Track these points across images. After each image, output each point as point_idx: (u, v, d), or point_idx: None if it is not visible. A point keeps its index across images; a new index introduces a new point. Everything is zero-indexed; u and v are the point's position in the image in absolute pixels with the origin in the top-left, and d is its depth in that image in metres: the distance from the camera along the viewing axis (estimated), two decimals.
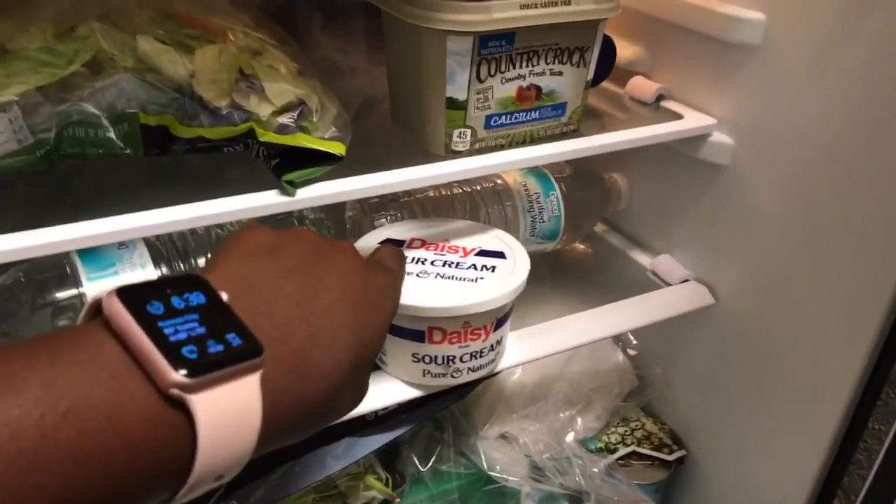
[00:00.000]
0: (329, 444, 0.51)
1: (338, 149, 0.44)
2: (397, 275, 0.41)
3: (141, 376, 0.24)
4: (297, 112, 0.44)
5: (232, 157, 0.45)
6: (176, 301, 0.26)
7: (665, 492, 0.71)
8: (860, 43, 0.48)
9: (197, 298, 0.27)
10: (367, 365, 0.35)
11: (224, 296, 0.28)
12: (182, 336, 0.25)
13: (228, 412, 0.25)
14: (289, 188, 0.43)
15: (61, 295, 0.48)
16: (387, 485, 0.58)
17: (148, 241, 0.49)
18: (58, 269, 0.47)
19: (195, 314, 0.26)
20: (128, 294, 0.25)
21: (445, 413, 0.62)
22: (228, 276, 0.31)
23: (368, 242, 0.53)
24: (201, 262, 0.51)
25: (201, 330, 0.25)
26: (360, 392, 0.36)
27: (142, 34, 0.42)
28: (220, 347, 0.25)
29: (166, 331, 0.24)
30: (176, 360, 0.24)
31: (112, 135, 0.42)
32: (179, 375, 0.23)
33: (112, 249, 0.47)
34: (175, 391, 0.24)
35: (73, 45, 0.39)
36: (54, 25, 0.40)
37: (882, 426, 0.55)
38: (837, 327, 0.54)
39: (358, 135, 0.47)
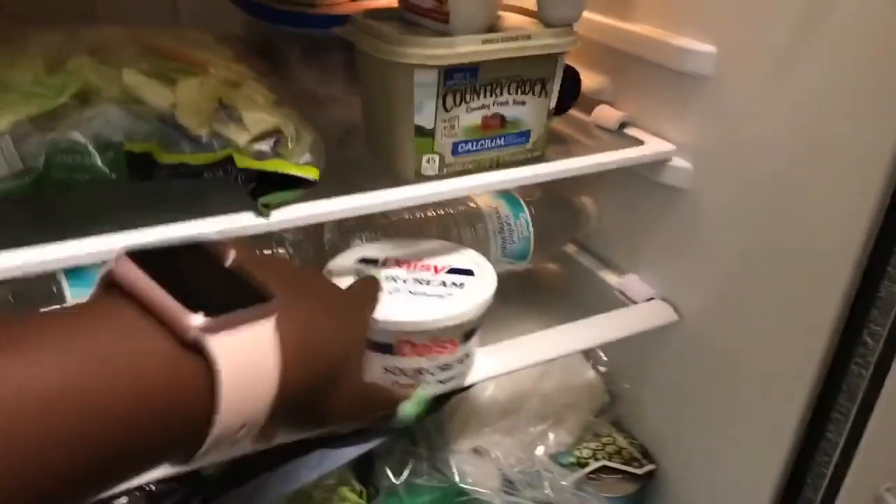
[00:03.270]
0: (302, 456, 0.53)
1: (312, 173, 0.47)
2: (371, 293, 0.46)
3: (158, 326, 0.24)
4: (274, 140, 0.47)
5: (212, 183, 0.48)
6: (185, 263, 0.27)
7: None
8: (805, 72, 0.52)
9: (204, 257, 0.28)
10: (360, 369, 0.39)
11: (231, 254, 0.28)
12: (194, 289, 0.25)
13: (247, 354, 0.25)
14: (264, 210, 0.46)
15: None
16: (361, 497, 0.60)
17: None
18: (45, 288, 0.49)
19: (205, 273, 0.27)
20: (137, 254, 0.26)
21: (419, 427, 0.64)
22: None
23: (345, 261, 0.55)
24: None
25: (212, 281, 0.26)
26: (357, 395, 0.39)
27: (127, 68, 0.45)
28: (234, 298, 0.26)
29: (178, 283, 0.25)
30: (191, 306, 0.24)
31: (98, 162, 0.44)
32: (197, 319, 0.24)
33: (97, 269, 0.49)
34: (193, 334, 0.24)
35: (62, 78, 0.42)
36: (45, 60, 0.43)
37: (836, 437, 0.58)
38: (792, 340, 0.57)
39: (337, 162, 0.50)
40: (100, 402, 0.22)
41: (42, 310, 0.26)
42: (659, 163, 0.62)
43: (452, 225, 0.65)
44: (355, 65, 0.56)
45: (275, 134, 0.47)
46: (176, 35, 0.56)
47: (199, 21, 0.75)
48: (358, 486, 0.60)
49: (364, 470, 0.62)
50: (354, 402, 0.38)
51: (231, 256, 0.29)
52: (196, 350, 0.24)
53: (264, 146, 0.47)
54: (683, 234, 0.65)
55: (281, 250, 0.60)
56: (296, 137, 0.48)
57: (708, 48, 0.57)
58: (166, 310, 0.24)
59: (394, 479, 0.61)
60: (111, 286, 0.26)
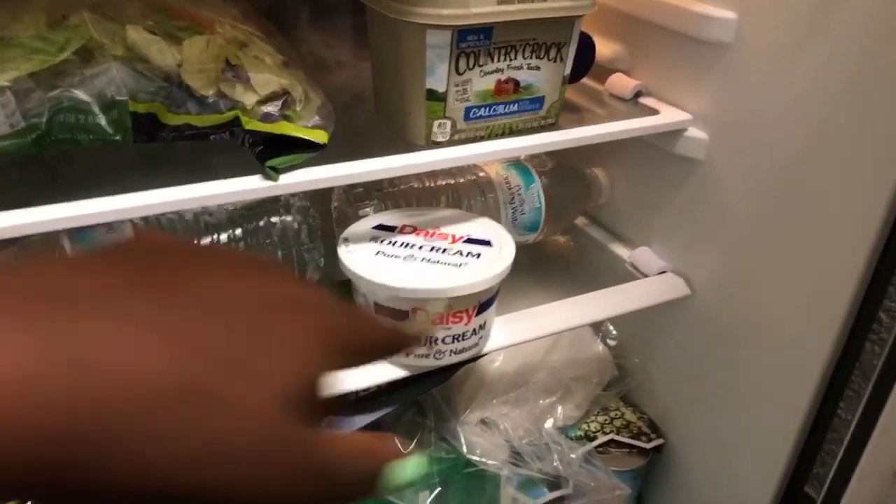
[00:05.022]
0: None
1: (320, 137, 0.46)
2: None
3: None
4: (282, 101, 0.46)
5: (218, 145, 0.47)
6: None
7: (643, 479, 0.73)
8: (827, 40, 0.50)
9: None
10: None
11: None
12: None
13: None
14: (271, 173, 0.45)
15: None
16: None
17: (135, 227, 0.51)
18: (48, 250, 0.48)
19: None
20: None
21: (427, 398, 0.64)
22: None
23: (361, 228, 0.54)
24: None
25: None
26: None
27: (132, 24, 0.44)
28: None
29: None
30: None
31: (102, 121, 0.43)
32: None
33: (101, 233, 0.49)
34: None
35: (64, 34, 0.41)
36: (47, 14, 0.42)
37: (848, 415, 0.57)
38: (806, 316, 0.56)
39: (345, 127, 0.49)
40: None
41: None
42: (674, 133, 0.61)
43: (462, 194, 0.64)
44: (366, 26, 0.55)
45: (283, 95, 0.46)
46: None
47: None
48: None
49: None
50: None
51: None
52: None
53: (272, 108, 0.45)
54: (697, 206, 0.64)
55: (288, 217, 0.59)
56: (304, 100, 0.47)
57: (728, 14, 0.55)
58: None
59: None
60: None
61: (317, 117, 0.46)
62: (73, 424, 0.16)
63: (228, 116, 0.45)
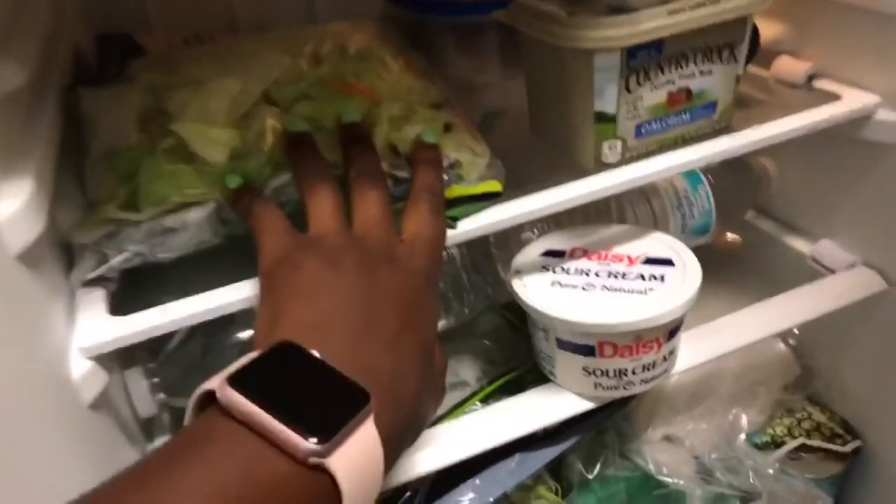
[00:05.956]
0: (503, 460, 0.53)
1: (494, 187, 0.45)
2: (431, 271, 0.38)
3: (270, 447, 0.26)
4: (449, 165, 0.45)
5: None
6: (279, 373, 0.28)
7: (841, 486, 0.68)
8: None
9: (296, 364, 0.29)
10: (437, 370, 0.37)
11: (315, 353, 0.29)
12: (298, 405, 0.27)
13: (359, 460, 0.28)
14: (450, 222, 0.44)
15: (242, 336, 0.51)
16: (556, 494, 0.59)
17: None
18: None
19: (301, 380, 0.28)
20: (238, 380, 0.27)
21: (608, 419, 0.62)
22: (303, 323, 0.32)
23: (529, 256, 0.53)
24: None
25: (312, 392, 0.28)
26: (439, 396, 0.38)
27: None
28: (335, 405, 0.28)
29: (284, 405, 0.27)
30: (304, 432, 0.26)
31: None
32: (312, 444, 0.26)
33: None
34: (313, 460, 0.26)
35: (257, 162, 0.43)
36: (228, 114, 0.45)
37: None
38: None
39: (498, 151, 0.47)
40: None
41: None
42: (860, 118, 0.55)
43: (627, 204, 0.61)
44: (513, 45, 0.53)
45: (452, 163, 0.45)
46: (337, 34, 0.55)
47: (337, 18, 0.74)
48: (553, 484, 0.59)
49: (555, 465, 0.60)
50: (437, 406, 0.38)
51: (317, 354, 0.30)
52: (316, 469, 0.26)
53: (444, 176, 0.44)
54: (892, 193, 0.58)
55: (453, 249, 0.59)
56: (472, 160, 0.46)
57: None
58: (282, 439, 0.26)
59: (586, 473, 0.59)
60: (203, 406, 0.28)
61: (486, 171, 0.45)
62: (414, 403, 0.34)
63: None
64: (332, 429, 0.27)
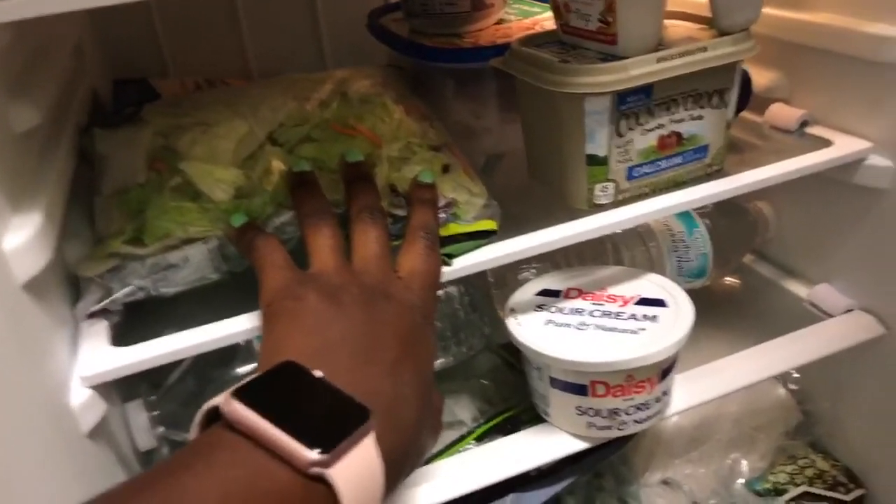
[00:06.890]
0: (496, 500, 0.53)
1: (489, 226, 0.46)
2: (427, 306, 0.40)
3: (283, 464, 0.27)
4: (446, 204, 0.46)
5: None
6: (283, 390, 0.29)
7: None
8: None
9: (299, 382, 0.30)
10: (435, 408, 0.38)
11: (317, 373, 0.31)
12: (301, 419, 0.28)
13: (360, 473, 0.28)
14: (446, 260, 0.46)
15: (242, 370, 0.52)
16: None
17: None
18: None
19: (303, 396, 0.29)
20: (243, 395, 0.28)
21: (605, 461, 0.62)
22: (306, 351, 0.33)
23: (525, 296, 0.54)
24: None
25: (314, 408, 0.29)
26: (436, 432, 0.39)
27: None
28: (337, 420, 0.29)
29: (287, 418, 0.28)
30: (306, 443, 0.27)
31: None
32: (314, 455, 0.27)
33: None
34: (315, 469, 0.27)
35: (261, 201, 0.45)
36: (234, 156, 0.46)
37: None
38: None
39: (496, 192, 0.49)
40: None
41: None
42: (853, 163, 0.56)
43: (623, 246, 0.62)
44: (511, 91, 0.55)
45: (449, 202, 0.47)
46: (343, 80, 0.57)
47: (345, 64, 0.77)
48: None
49: None
50: (434, 439, 0.39)
51: (318, 374, 0.31)
52: (316, 480, 0.27)
53: (441, 215, 0.46)
54: (885, 238, 0.58)
55: (451, 288, 0.60)
56: (469, 199, 0.47)
57: None
58: (286, 450, 0.27)
59: None
60: (209, 423, 0.29)
61: (482, 210, 0.47)
62: (415, 429, 0.34)
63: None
64: (333, 441, 0.28)
